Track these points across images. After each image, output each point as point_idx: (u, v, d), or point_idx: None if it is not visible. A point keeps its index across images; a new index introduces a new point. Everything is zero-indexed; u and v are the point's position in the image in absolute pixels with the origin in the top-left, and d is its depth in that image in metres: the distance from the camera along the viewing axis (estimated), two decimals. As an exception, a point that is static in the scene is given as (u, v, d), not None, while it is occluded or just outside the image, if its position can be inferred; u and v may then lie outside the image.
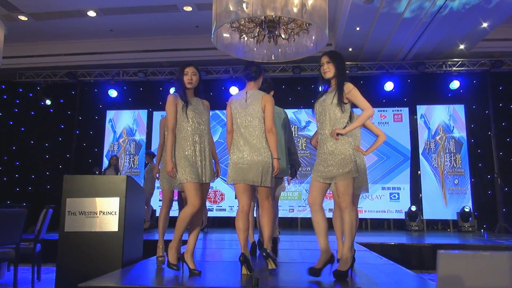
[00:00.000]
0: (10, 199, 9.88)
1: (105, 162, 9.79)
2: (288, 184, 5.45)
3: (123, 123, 10.39)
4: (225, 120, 9.82)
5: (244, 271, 3.04)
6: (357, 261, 3.52)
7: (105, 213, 3.58)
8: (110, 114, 10.44)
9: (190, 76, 3.28)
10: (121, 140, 10.32)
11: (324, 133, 3.04)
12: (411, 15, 7.35)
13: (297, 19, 4.21)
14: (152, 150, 9.33)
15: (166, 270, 3.32)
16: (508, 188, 9.07)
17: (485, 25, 7.64)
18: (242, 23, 4.41)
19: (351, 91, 3.01)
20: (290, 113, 9.21)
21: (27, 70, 9.99)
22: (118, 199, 3.60)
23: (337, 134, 2.95)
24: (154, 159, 8.25)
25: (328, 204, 9.39)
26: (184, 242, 3.26)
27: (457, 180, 9.33)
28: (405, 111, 9.78)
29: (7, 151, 10.21)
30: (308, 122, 9.83)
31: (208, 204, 9.32)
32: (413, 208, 9.00)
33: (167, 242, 3.64)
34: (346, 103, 3.03)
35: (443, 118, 9.63)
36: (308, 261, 3.70)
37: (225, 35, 4.60)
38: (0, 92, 10.56)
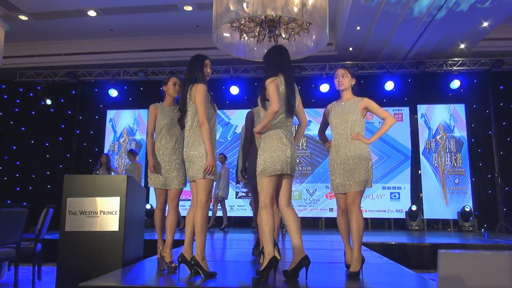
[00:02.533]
0: (11, 199, 9.89)
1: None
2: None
3: (123, 122, 10.39)
4: (225, 120, 9.95)
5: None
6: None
7: (105, 213, 3.58)
8: (110, 113, 10.45)
9: (208, 68, 3.20)
10: (121, 140, 10.32)
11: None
12: (411, 14, 7.34)
13: (297, 19, 4.21)
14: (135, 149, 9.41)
15: (166, 270, 3.32)
16: (508, 187, 9.07)
17: (485, 24, 7.63)
18: (242, 22, 4.42)
19: (266, 86, 2.84)
20: (290, 112, 9.17)
21: (27, 69, 9.99)
22: (119, 198, 3.60)
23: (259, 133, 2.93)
24: (135, 158, 8.25)
25: (329, 203, 9.42)
26: (182, 242, 3.26)
27: (457, 180, 9.32)
28: (405, 110, 9.79)
29: (8, 150, 10.22)
30: (309, 122, 9.80)
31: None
32: (414, 208, 9.00)
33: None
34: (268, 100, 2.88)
35: (444, 117, 9.63)
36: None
37: (225, 34, 4.60)
38: (1, 92, 10.57)
